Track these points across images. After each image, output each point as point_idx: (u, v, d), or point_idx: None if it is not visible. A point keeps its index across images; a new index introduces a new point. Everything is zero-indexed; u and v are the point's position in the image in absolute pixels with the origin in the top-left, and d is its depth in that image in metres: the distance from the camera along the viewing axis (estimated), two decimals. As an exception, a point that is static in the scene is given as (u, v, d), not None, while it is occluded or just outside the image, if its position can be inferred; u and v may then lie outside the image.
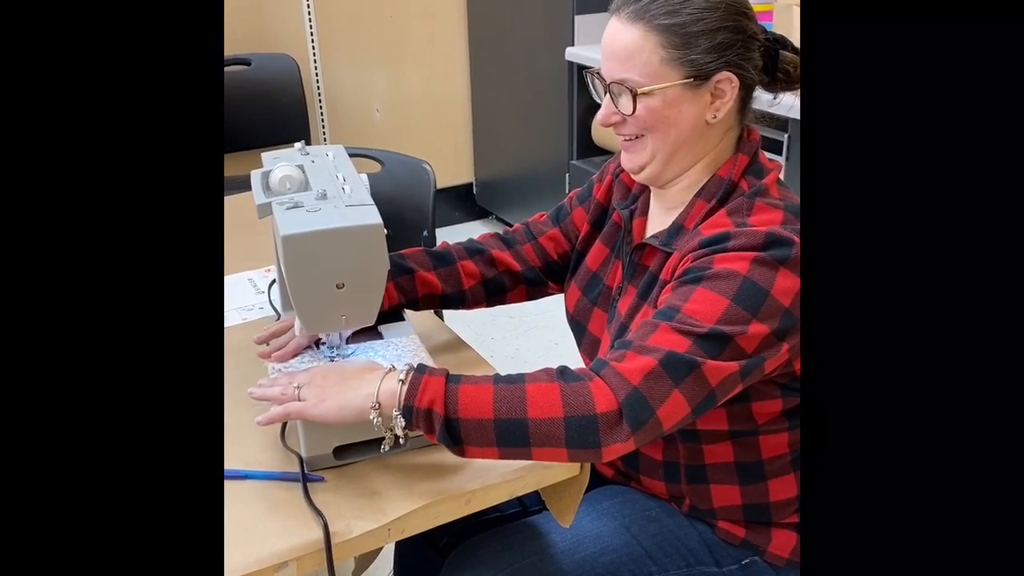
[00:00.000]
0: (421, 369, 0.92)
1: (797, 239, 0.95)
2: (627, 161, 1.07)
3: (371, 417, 0.91)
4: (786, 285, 0.94)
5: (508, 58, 3.27)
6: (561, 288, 1.27)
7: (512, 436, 0.88)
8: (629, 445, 0.89)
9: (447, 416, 0.89)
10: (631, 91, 0.98)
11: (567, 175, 3.04)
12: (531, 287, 1.27)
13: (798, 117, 1.75)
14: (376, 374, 0.93)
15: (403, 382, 0.91)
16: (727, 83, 0.99)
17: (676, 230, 1.04)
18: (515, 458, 0.92)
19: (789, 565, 1.11)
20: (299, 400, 0.94)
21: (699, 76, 0.98)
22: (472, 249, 1.25)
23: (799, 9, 2.07)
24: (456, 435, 0.89)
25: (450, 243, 1.27)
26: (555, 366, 0.94)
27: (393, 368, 0.94)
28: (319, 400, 0.93)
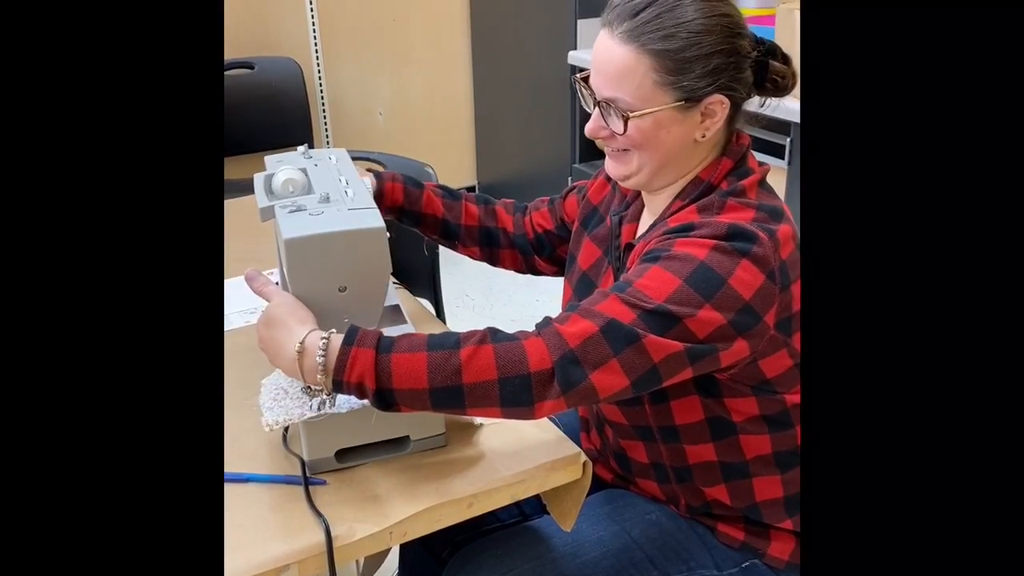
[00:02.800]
0: (349, 338, 0.90)
1: (763, 235, 0.94)
2: (612, 169, 1.07)
3: (301, 390, 0.93)
4: (747, 278, 0.92)
5: (510, 61, 3.28)
6: (550, 268, 1.33)
7: (447, 400, 0.89)
8: (560, 404, 0.89)
9: (379, 388, 0.89)
10: (622, 113, 0.98)
11: (569, 178, 3.04)
12: (522, 255, 1.33)
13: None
14: (290, 345, 0.90)
15: (323, 352, 0.88)
16: (718, 104, 0.99)
17: (653, 227, 1.05)
18: (447, 414, 0.96)
19: (789, 568, 1.11)
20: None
21: (691, 99, 0.97)
22: (479, 197, 1.33)
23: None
24: (390, 401, 0.90)
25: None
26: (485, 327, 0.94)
27: (312, 331, 0.91)
28: (273, 357, 0.93)
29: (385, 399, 0.89)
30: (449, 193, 1.31)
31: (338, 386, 0.90)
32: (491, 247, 1.32)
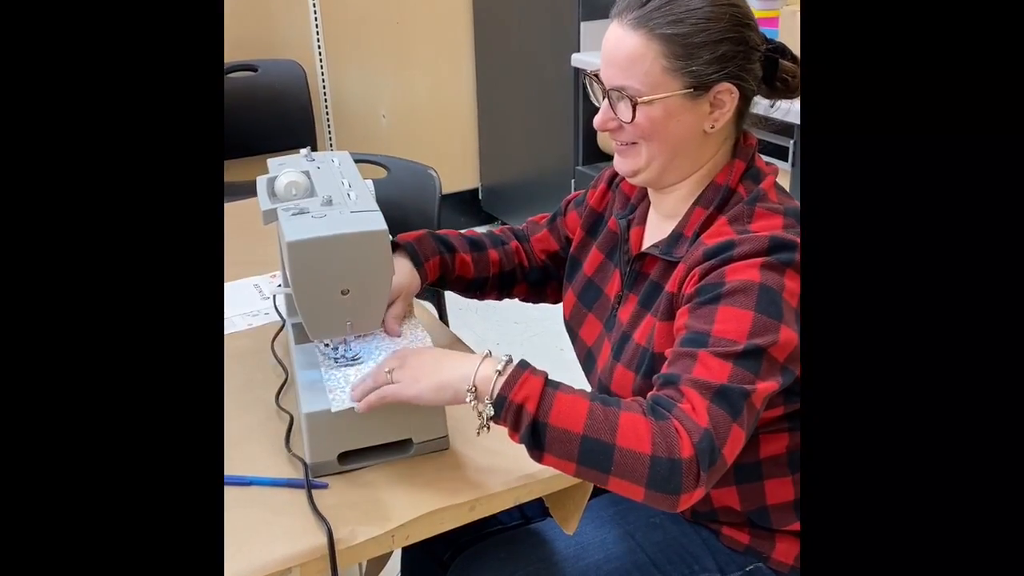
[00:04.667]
0: (523, 364, 0.91)
1: (799, 241, 0.95)
2: (621, 165, 1.06)
3: (467, 400, 0.91)
4: (793, 287, 0.94)
5: (514, 64, 3.28)
6: (558, 295, 1.30)
7: (595, 457, 0.86)
8: (702, 491, 0.87)
9: (537, 417, 0.87)
10: (631, 99, 0.98)
11: (573, 181, 3.04)
12: (532, 286, 1.31)
13: (804, 123, 1.74)
14: (472, 357, 0.93)
15: (500, 372, 0.90)
16: (727, 94, 0.99)
17: (676, 238, 1.04)
18: (590, 480, 0.90)
19: (792, 572, 1.10)
20: (392, 383, 0.95)
21: (699, 86, 0.98)
22: (496, 239, 1.30)
23: (805, 15, 2.06)
24: (540, 439, 0.88)
25: (477, 230, 1.32)
26: (646, 399, 0.92)
27: (490, 354, 0.94)
28: (414, 381, 0.94)
29: (537, 433, 0.88)
30: (474, 245, 1.27)
31: (500, 402, 0.89)
32: (509, 287, 1.30)
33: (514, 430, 0.89)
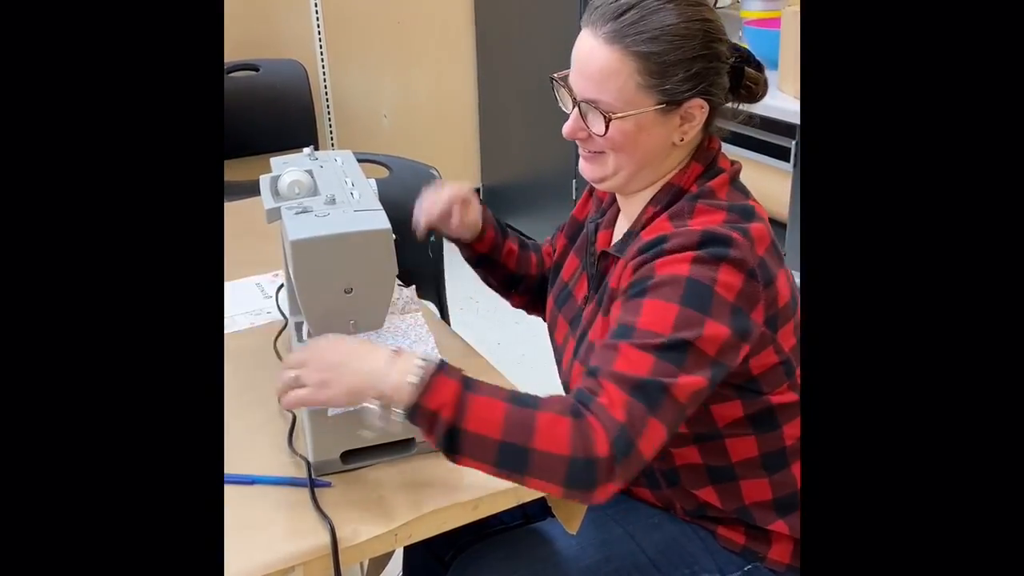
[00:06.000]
0: (440, 366, 0.89)
1: (737, 236, 0.94)
2: (587, 171, 1.07)
3: (371, 405, 0.88)
4: (728, 281, 0.92)
5: (515, 64, 3.28)
6: None
7: (512, 460, 0.86)
8: (617, 485, 0.88)
9: (453, 424, 0.87)
10: (604, 114, 0.98)
11: (573, 181, 3.04)
12: (532, 296, 1.33)
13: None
14: (379, 355, 0.89)
15: (413, 384, 0.87)
16: (697, 108, 0.99)
17: (628, 236, 1.05)
18: (506, 479, 0.90)
19: (789, 570, 1.10)
20: (301, 387, 0.91)
21: (672, 103, 0.98)
22: (535, 245, 1.34)
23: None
24: (456, 444, 0.87)
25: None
26: (569, 394, 0.91)
27: (398, 350, 0.90)
28: (322, 385, 0.90)
29: (453, 439, 0.87)
30: (519, 242, 1.31)
31: (414, 409, 0.87)
32: (540, 295, 1.30)
33: (428, 434, 0.88)
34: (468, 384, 0.89)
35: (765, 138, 2.21)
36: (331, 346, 0.93)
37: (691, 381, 0.89)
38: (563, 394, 0.93)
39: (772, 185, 2.21)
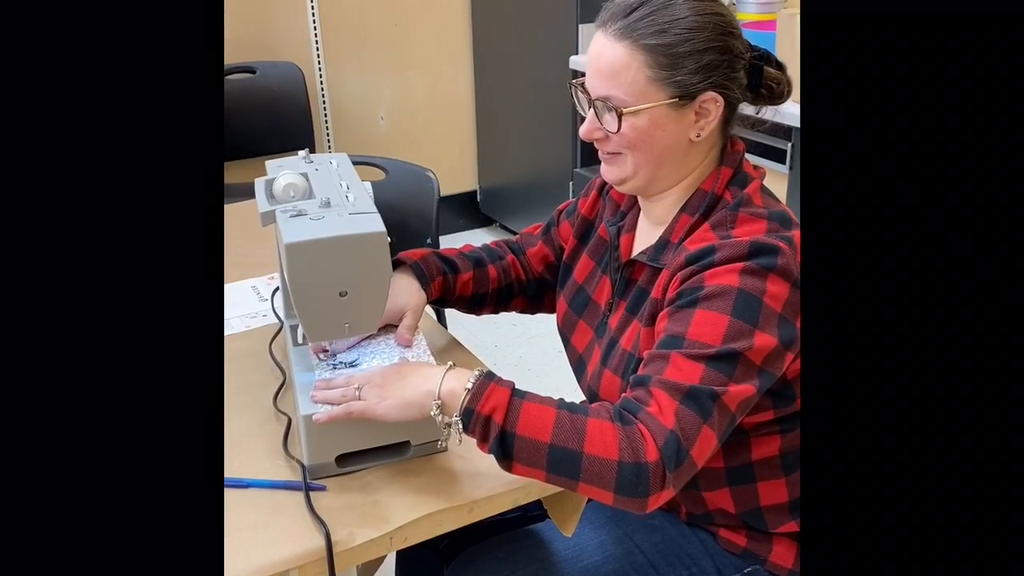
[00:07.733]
0: (490, 375, 0.93)
1: (783, 246, 0.95)
2: (607, 173, 1.07)
3: (432, 413, 0.92)
4: (776, 291, 0.94)
5: (512, 66, 3.28)
6: (555, 305, 1.30)
7: (563, 465, 0.88)
8: (670, 493, 0.88)
9: (504, 428, 0.89)
10: (616, 109, 0.98)
11: (571, 183, 3.04)
12: (529, 299, 1.32)
13: (802, 126, 1.75)
14: (436, 371, 0.94)
15: (468, 389, 0.91)
16: (712, 103, 0.99)
17: (663, 245, 1.05)
18: (560, 486, 0.91)
19: (791, 575, 1.10)
20: (360, 400, 0.96)
21: (684, 96, 0.98)
22: (493, 254, 1.30)
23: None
24: (508, 449, 0.89)
25: (475, 245, 1.31)
26: (615, 404, 0.92)
27: (453, 366, 0.95)
28: (380, 399, 0.95)
29: (505, 443, 0.89)
30: (475, 262, 1.27)
31: (468, 415, 0.90)
32: (507, 301, 1.30)
33: (483, 441, 0.91)
34: (518, 392, 0.92)
35: (760, 140, 2.22)
36: (394, 368, 1.01)
37: (741, 390, 0.91)
38: (604, 402, 0.94)
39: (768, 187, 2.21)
